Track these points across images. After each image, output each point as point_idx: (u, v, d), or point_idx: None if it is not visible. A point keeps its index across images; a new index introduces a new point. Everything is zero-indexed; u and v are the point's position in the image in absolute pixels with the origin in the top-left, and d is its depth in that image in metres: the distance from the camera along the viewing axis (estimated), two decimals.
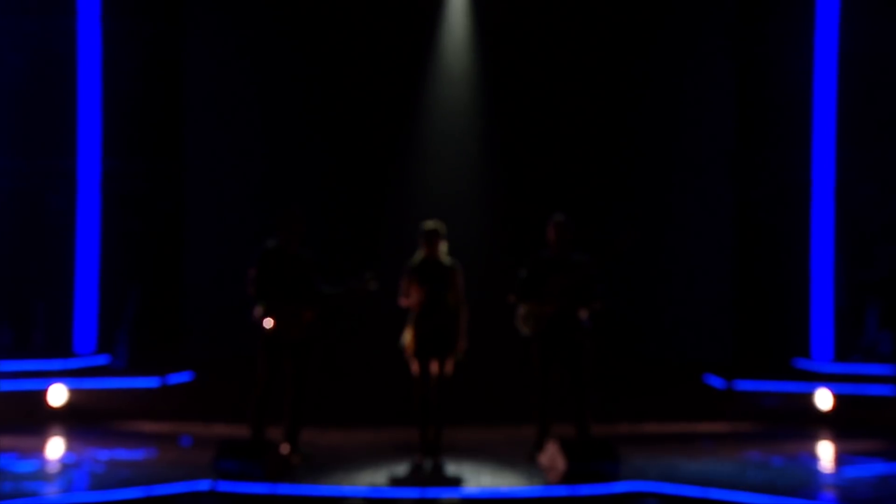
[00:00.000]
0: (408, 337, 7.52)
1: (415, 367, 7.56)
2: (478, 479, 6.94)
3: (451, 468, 7.26)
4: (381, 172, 10.38)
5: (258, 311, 7.35)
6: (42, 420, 8.96)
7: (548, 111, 10.38)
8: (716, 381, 9.67)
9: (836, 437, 8.66)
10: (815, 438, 8.62)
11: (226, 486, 6.53)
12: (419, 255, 7.58)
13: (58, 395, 9.14)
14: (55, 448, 8.01)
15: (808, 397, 9.30)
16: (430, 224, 7.61)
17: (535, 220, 8.31)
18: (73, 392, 9.19)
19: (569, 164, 10.35)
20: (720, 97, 10.51)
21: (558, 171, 10.33)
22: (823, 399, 9.24)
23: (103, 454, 7.66)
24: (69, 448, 8.01)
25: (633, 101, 10.46)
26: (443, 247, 7.56)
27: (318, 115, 10.43)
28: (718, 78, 10.51)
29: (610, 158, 10.45)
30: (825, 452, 8.20)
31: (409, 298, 7.50)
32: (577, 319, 7.54)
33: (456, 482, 6.87)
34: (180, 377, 9.60)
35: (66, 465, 7.35)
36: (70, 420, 9.02)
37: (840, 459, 7.92)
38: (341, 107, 10.41)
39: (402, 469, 7.23)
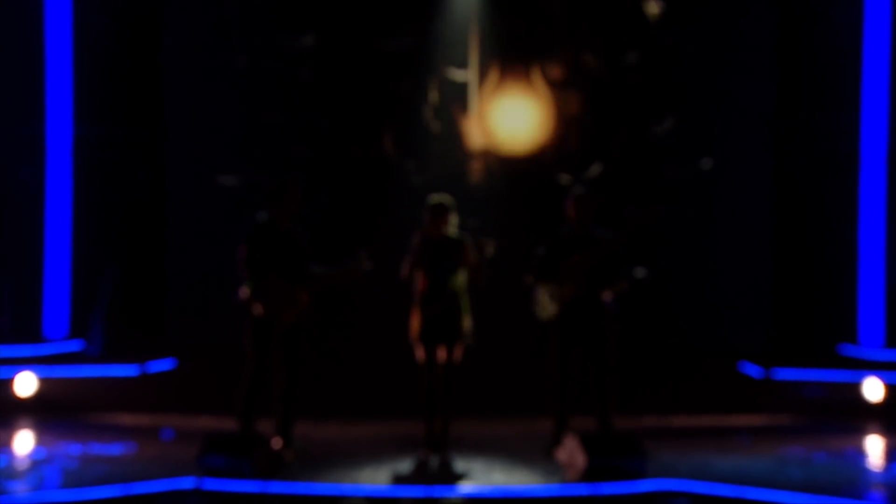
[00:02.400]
0: (414, 321, 7.53)
1: (420, 353, 7.58)
2: (489, 476, 6.96)
3: (460, 465, 7.29)
4: (381, 139, 10.35)
5: (246, 292, 7.36)
6: (8, 411, 9.00)
7: (571, 72, 10.33)
8: (752, 370, 9.68)
9: (886, 431, 8.66)
10: (862, 432, 8.63)
11: (212, 484, 6.56)
12: (426, 230, 7.57)
13: (26, 384, 9.18)
14: (23, 442, 8.05)
15: (856, 387, 9.30)
16: (436, 198, 7.61)
17: (556, 193, 8.30)
18: (42, 381, 9.23)
19: (593, 133, 10.31)
20: (760, 55, 10.45)
21: (582, 140, 10.29)
22: (872, 389, 9.25)
23: (76, 449, 7.70)
24: (39, 442, 8.05)
25: (664, 60, 10.38)
26: (452, 220, 7.57)
27: (312, 75, 10.40)
28: (758, 33, 10.44)
29: (638, 125, 10.40)
30: (874, 448, 8.21)
31: (410, 276, 7.51)
32: (600, 301, 7.54)
33: (465, 480, 6.90)
34: (161, 365, 9.63)
35: (36, 460, 7.38)
36: (40, 412, 9.06)
37: (890, 455, 7.92)
38: (337, 66, 10.37)
39: (405, 466, 7.26)
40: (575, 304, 7.53)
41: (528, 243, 8.02)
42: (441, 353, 7.53)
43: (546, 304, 7.58)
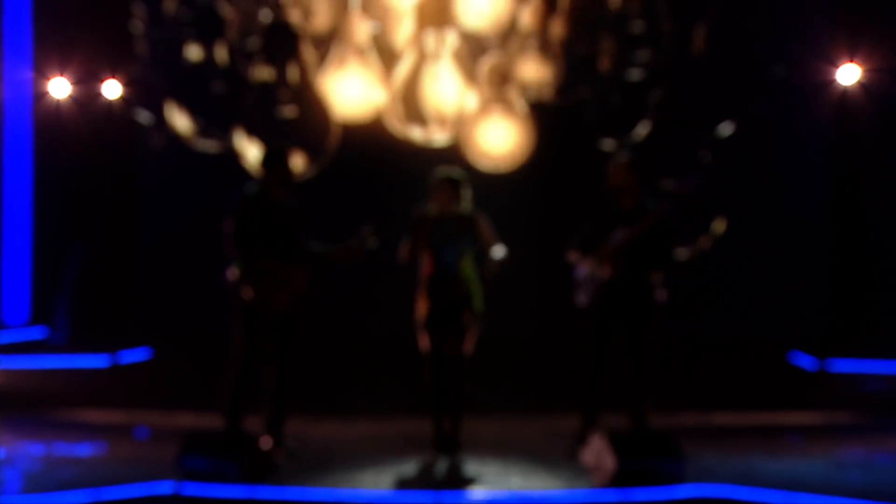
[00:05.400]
0: (419, 308, 7.56)
1: (424, 342, 7.60)
2: (505, 480, 7.01)
3: (472, 467, 7.33)
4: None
5: (234, 273, 7.40)
6: None
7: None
8: (805, 361, 9.71)
9: None
10: None
11: (193, 489, 6.61)
12: (433, 207, 7.58)
13: None
14: None
15: None
16: (444, 171, 7.59)
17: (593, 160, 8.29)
18: (1, 372, 9.30)
19: (636, 92, 10.29)
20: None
21: (625, 99, 10.26)
22: None
23: (39, 449, 7.75)
24: None
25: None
26: (464, 195, 7.56)
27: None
28: None
29: (672, 83, 10.37)
30: None
31: (410, 259, 7.52)
32: (647, 285, 7.52)
33: (477, 484, 6.95)
34: (135, 355, 9.70)
35: None
36: None
37: None
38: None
39: (411, 468, 7.30)
40: (616, 287, 7.51)
41: (564, 218, 8.01)
42: (450, 345, 7.55)
43: (590, 285, 7.56)
